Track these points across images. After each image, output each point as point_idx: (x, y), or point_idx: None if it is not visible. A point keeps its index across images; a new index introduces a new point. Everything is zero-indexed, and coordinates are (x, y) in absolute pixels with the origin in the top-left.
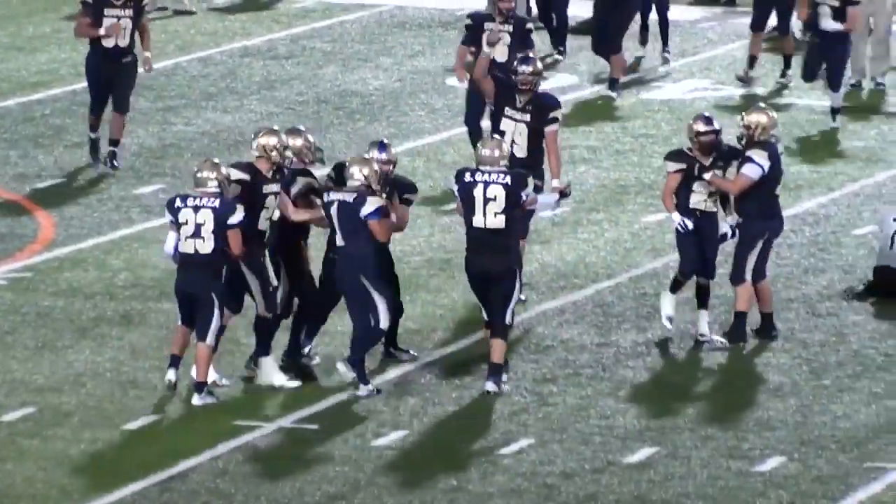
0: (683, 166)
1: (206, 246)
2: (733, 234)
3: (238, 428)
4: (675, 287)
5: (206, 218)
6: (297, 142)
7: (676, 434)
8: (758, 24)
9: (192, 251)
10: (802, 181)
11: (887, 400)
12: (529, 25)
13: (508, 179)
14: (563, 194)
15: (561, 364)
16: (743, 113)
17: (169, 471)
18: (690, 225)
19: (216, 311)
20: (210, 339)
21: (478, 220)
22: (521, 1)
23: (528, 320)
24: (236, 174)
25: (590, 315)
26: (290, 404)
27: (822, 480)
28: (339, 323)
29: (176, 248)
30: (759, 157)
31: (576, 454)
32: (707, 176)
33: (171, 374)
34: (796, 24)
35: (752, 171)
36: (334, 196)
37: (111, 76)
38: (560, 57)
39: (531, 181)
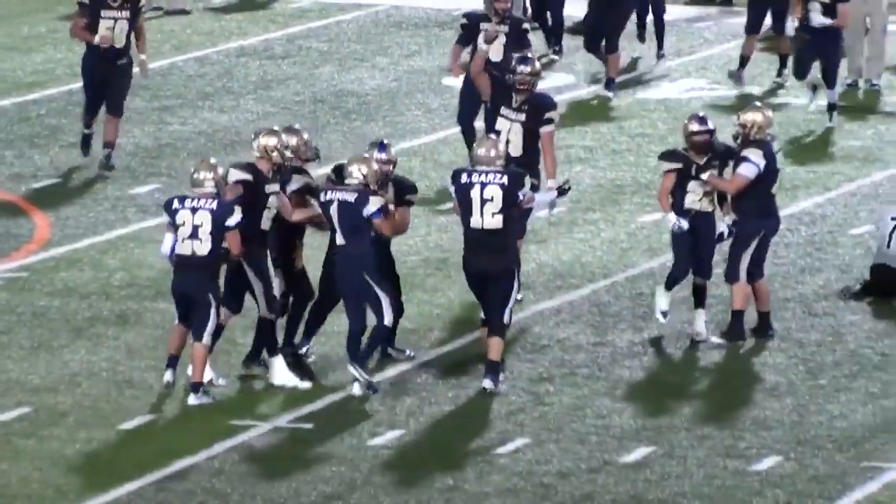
0: (678, 166)
1: (204, 247)
2: (730, 234)
3: (234, 427)
4: (670, 285)
5: (204, 219)
6: (293, 140)
7: (673, 433)
8: (753, 27)
9: (189, 252)
10: (799, 181)
11: (884, 399)
12: (526, 26)
13: (505, 179)
14: (563, 191)
15: (557, 364)
16: (739, 112)
17: (165, 470)
18: (686, 226)
19: (213, 312)
20: (206, 339)
21: (475, 221)
22: (517, 1)
23: (524, 320)
24: (239, 175)
25: (586, 315)
26: (286, 404)
27: (819, 480)
28: (337, 323)
29: (172, 250)
30: (755, 156)
31: (572, 454)
32: (704, 176)
33: (168, 375)
34: (790, 21)
35: (748, 171)
36: (334, 196)
37: (106, 77)
38: (556, 56)
39: (528, 180)
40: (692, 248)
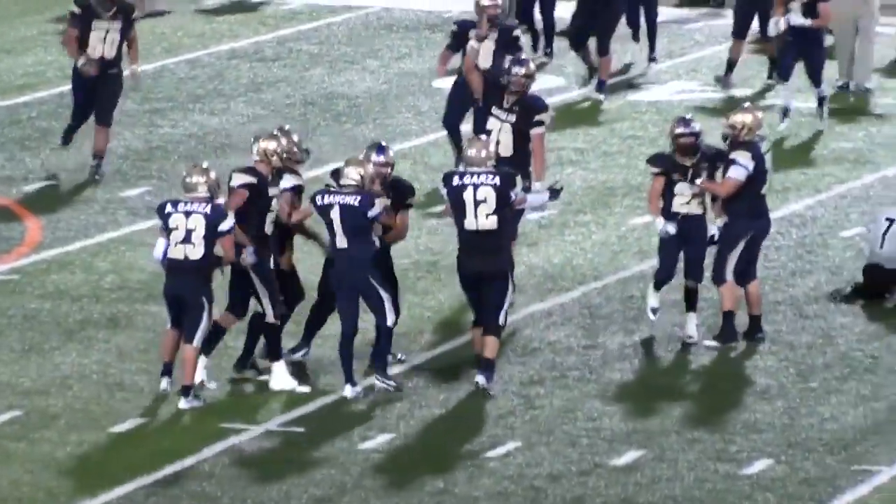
0: (664, 169)
1: (197, 252)
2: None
3: (225, 430)
4: (657, 286)
5: (198, 223)
6: (283, 142)
7: (663, 437)
8: (740, 31)
9: (181, 257)
10: (790, 183)
11: (874, 402)
12: (517, 33)
13: (497, 180)
14: (555, 192)
15: (548, 366)
16: (728, 113)
17: (156, 474)
18: (673, 230)
19: (205, 315)
20: (197, 341)
21: (469, 223)
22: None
23: (515, 322)
24: (244, 178)
25: (577, 317)
26: (276, 407)
27: (810, 483)
28: (328, 326)
29: (165, 254)
30: (743, 158)
31: (562, 457)
32: (699, 181)
33: (164, 383)
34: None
35: (737, 174)
36: (334, 199)
37: (96, 86)
38: (546, 59)
39: (519, 180)
40: (678, 252)
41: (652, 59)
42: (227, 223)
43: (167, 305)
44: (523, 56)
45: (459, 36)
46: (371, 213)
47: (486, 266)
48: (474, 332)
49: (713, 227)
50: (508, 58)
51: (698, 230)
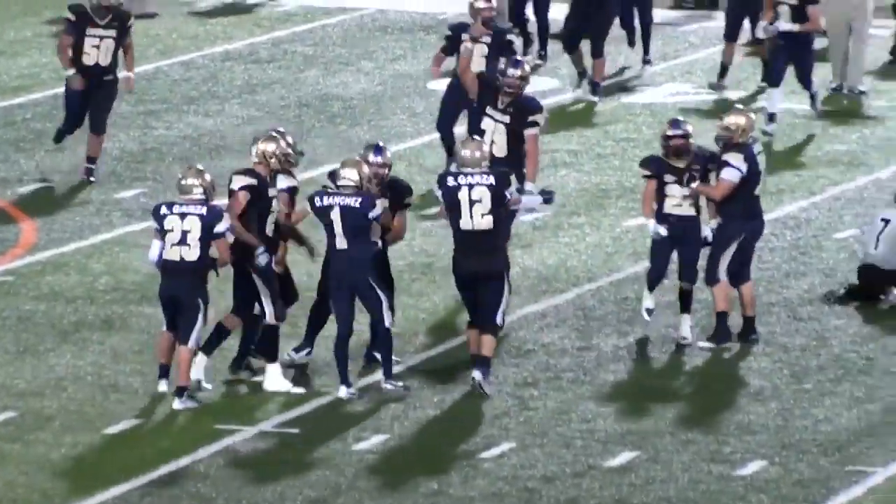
0: (655, 172)
1: (192, 253)
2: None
3: (219, 431)
4: (650, 287)
5: (193, 225)
6: (281, 143)
7: (657, 438)
8: (731, 34)
9: (177, 258)
10: (784, 185)
11: (868, 403)
12: (510, 37)
13: (492, 180)
14: (548, 198)
15: (542, 368)
16: (722, 115)
17: (150, 475)
18: (664, 232)
19: (200, 316)
20: (192, 342)
21: (465, 223)
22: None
23: (509, 324)
24: (245, 180)
25: (571, 319)
26: (271, 408)
27: (804, 484)
28: (325, 327)
29: (160, 256)
30: (736, 160)
31: (557, 458)
32: (693, 185)
33: (162, 386)
34: (760, 25)
35: (731, 175)
36: (333, 201)
37: (90, 93)
38: (541, 61)
39: (514, 180)
40: (669, 252)
41: (646, 62)
42: (223, 225)
43: (162, 307)
44: (519, 58)
45: (453, 39)
46: (372, 214)
47: (481, 266)
48: (469, 333)
49: (706, 229)
50: (503, 60)
51: (692, 232)
